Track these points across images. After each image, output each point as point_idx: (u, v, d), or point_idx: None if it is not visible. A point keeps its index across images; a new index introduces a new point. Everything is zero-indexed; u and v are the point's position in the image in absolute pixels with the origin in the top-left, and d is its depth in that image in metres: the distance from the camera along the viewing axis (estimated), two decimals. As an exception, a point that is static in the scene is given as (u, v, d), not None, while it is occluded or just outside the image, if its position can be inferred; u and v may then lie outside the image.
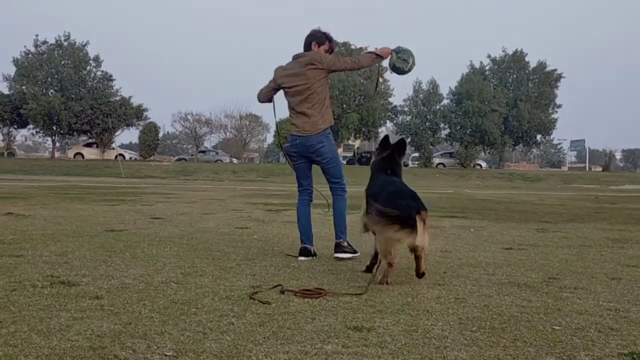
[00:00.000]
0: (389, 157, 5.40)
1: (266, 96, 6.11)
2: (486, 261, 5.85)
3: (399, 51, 5.67)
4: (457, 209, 13.39)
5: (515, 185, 39.52)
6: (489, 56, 62.26)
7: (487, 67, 62.14)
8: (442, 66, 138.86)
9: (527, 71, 60.90)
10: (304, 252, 5.80)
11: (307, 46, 5.89)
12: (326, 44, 5.89)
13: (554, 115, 61.54)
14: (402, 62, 5.69)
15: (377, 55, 5.77)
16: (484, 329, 3.39)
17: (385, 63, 5.90)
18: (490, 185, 39.29)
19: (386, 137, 5.65)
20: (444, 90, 60.50)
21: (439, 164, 59.84)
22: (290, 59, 5.94)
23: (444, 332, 3.30)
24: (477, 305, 3.96)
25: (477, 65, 62.00)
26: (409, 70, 5.77)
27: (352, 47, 58.51)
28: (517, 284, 4.74)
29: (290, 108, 5.93)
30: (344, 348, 2.98)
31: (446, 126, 59.47)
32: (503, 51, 61.64)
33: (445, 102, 59.89)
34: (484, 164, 65.33)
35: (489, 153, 66.65)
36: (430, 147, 59.73)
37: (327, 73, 5.79)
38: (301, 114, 5.81)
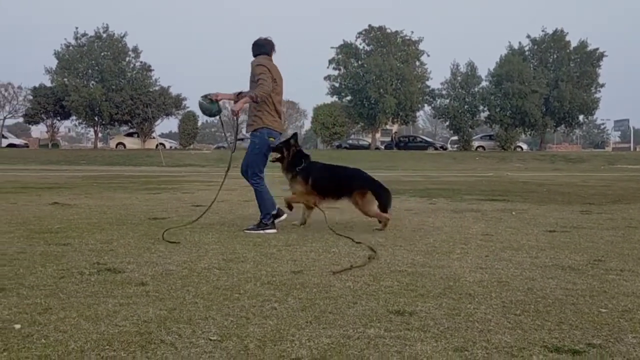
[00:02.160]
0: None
1: None
2: (529, 244, 5.78)
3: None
4: (498, 192, 13.23)
5: (557, 167, 38.83)
6: (528, 36, 60.95)
7: (526, 48, 60.82)
8: (480, 48, 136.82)
9: (567, 51, 59.44)
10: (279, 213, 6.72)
11: (271, 50, 6.70)
12: None
13: (597, 95, 59.97)
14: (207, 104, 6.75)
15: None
16: (528, 312, 3.36)
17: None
18: (531, 167, 38.67)
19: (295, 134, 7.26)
20: (482, 72, 59.54)
21: (479, 146, 59.04)
22: (263, 56, 6.60)
23: (487, 316, 3.28)
24: (521, 288, 3.92)
25: (516, 46, 60.81)
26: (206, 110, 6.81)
27: (388, 30, 57.95)
28: (562, 266, 4.67)
29: (272, 104, 6.49)
30: (386, 332, 2.99)
31: (485, 108, 58.47)
32: (542, 31, 60.29)
33: (484, 84, 58.83)
34: (525, 146, 64.20)
35: (530, 135, 65.45)
36: (470, 130, 58.90)
37: None
38: (278, 113, 6.62)
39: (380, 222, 6.85)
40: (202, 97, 6.73)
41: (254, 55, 6.63)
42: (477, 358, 2.66)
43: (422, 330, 3.01)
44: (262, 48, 6.63)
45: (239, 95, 6.80)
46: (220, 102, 6.84)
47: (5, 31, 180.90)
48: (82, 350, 2.69)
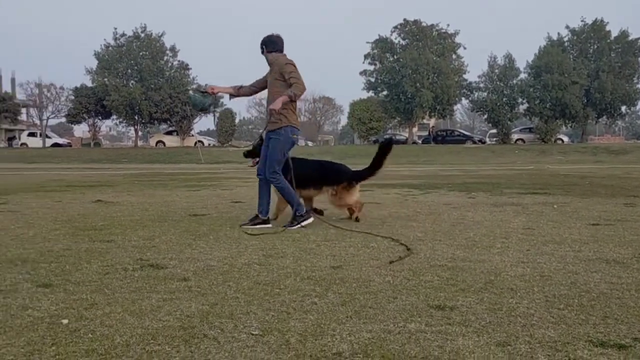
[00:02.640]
0: None
1: None
2: (571, 237, 5.68)
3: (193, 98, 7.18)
4: (539, 185, 13.04)
5: (599, 159, 38.07)
6: (567, 27, 59.81)
7: (565, 39, 59.69)
8: (518, 40, 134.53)
9: (608, 41, 58.15)
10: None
11: (283, 47, 6.66)
12: None
13: (639, 85, 58.67)
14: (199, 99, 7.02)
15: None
16: (572, 306, 3.31)
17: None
18: (573, 160, 38.00)
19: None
20: (520, 64, 58.66)
21: (518, 139, 58.15)
22: (284, 54, 6.60)
23: (530, 310, 3.24)
24: (564, 282, 3.87)
25: (555, 37, 59.73)
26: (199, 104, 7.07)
27: (424, 24, 57.45)
28: (606, 260, 4.59)
29: (294, 102, 6.55)
30: (427, 327, 2.98)
31: (524, 101, 57.62)
32: (582, 21, 59.13)
33: (522, 76, 57.95)
34: (565, 139, 63.07)
35: (571, 127, 64.23)
36: (508, 122, 58.06)
37: None
38: (296, 111, 6.67)
39: (352, 212, 7.13)
40: (193, 89, 6.82)
41: (269, 51, 6.59)
42: (521, 353, 2.63)
43: (464, 325, 2.99)
44: (276, 45, 6.61)
45: (239, 90, 6.94)
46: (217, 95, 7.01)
47: (46, 33, 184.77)
48: (128, 345, 2.75)
